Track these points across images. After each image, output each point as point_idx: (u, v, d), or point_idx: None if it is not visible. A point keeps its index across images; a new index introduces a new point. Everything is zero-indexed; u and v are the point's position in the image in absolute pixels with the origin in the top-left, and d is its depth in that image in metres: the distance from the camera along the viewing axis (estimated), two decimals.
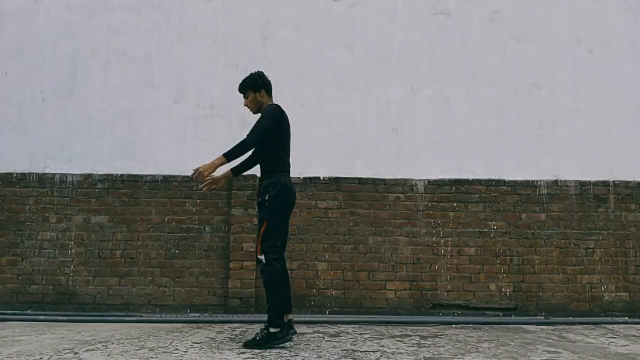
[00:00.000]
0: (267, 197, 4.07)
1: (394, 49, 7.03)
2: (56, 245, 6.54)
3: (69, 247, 6.53)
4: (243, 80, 4.33)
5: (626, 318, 6.28)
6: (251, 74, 4.37)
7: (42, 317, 5.90)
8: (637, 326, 5.83)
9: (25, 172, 6.71)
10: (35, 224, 6.59)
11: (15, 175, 6.69)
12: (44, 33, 7.01)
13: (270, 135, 4.12)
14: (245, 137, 4.11)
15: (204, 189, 4.28)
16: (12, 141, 6.80)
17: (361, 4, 7.09)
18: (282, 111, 4.23)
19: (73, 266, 6.49)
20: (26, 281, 6.46)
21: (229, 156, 4.02)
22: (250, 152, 4.36)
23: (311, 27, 7.06)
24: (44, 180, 6.68)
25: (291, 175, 4.00)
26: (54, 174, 6.70)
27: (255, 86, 4.29)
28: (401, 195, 6.67)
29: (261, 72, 4.38)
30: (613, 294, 6.48)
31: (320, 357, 3.67)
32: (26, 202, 6.63)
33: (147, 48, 6.99)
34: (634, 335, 5.05)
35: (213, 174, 4.08)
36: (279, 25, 7.05)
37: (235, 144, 4.09)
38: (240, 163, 4.43)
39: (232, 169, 4.43)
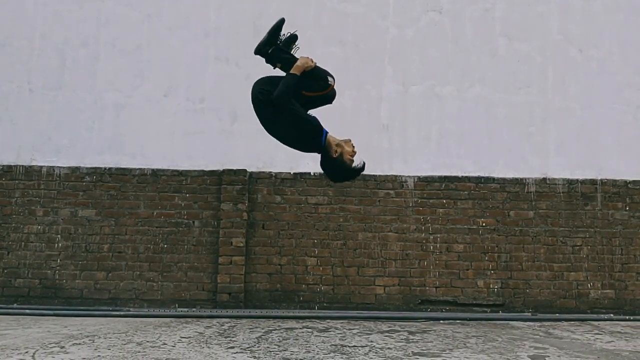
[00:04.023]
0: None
1: (385, 46, 7.02)
2: (43, 239, 6.46)
3: (55, 241, 6.46)
4: None
5: (612, 315, 6.35)
6: None
7: (28, 311, 5.84)
8: (623, 323, 5.91)
9: (12, 164, 6.61)
10: (21, 217, 6.50)
11: (1, 167, 6.60)
12: (32, 23, 6.90)
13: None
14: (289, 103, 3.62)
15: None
16: None
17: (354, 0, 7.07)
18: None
19: (60, 260, 6.42)
20: (12, 275, 6.38)
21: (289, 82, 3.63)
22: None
23: (303, 22, 7.00)
24: (30, 172, 6.59)
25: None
26: (41, 167, 6.61)
27: None
28: (391, 192, 6.68)
29: None
30: (599, 291, 6.55)
31: (309, 352, 3.67)
32: (12, 195, 6.54)
33: (138, 40, 6.91)
34: (619, 332, 5.11)
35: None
36: (271, 19, 6.95)
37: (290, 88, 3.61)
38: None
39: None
